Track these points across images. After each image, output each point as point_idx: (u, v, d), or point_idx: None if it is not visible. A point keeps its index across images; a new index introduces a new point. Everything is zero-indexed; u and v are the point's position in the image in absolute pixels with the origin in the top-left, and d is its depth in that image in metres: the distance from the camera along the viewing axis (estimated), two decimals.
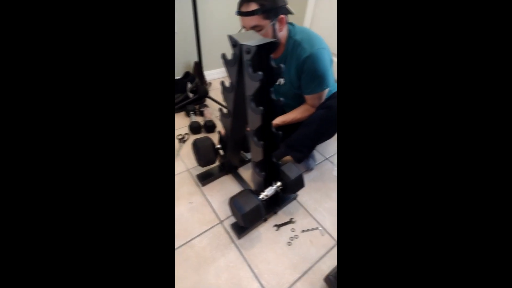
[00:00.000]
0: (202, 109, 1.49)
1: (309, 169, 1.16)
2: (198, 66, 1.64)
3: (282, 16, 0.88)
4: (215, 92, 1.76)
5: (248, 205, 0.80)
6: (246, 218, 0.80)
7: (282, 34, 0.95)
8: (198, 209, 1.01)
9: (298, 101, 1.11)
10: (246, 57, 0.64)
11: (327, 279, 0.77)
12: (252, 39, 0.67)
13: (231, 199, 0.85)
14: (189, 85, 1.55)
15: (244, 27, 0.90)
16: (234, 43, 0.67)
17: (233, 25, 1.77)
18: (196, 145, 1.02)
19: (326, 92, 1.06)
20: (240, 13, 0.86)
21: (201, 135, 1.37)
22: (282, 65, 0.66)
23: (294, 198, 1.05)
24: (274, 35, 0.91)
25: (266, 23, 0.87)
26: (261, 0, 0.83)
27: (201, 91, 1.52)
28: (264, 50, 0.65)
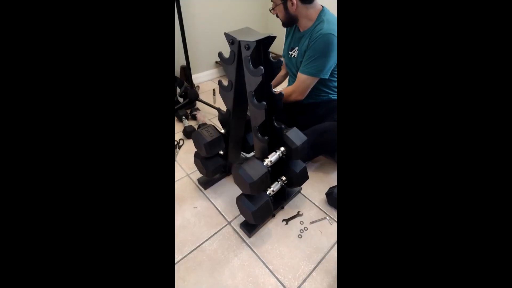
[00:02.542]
0: (194, 113, 1.47)
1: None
2: (185, 70, 1.62)
3: None
4: (205, 94, 1.74)
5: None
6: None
7: (303, 11, 1.05)
8: (204, 212, 0.99)
9: None
10: (246, 53, 0.65)
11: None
12: (250, 35, 0.67)
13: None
14: (178, 90, 1.52)
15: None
16: (232, 41, 0.67)
17: (217, 26, 1.78)
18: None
19: (312, 83, 1.07)
20: None
21: None
22: (281, 59, 0.66)
23: (299, 192, 1.06)
24: (287, 12, 1.05)
25: (278, 2, 1.04)
26: None
27: (191, 95, 1.50)
28: (263, 45, 0.65)
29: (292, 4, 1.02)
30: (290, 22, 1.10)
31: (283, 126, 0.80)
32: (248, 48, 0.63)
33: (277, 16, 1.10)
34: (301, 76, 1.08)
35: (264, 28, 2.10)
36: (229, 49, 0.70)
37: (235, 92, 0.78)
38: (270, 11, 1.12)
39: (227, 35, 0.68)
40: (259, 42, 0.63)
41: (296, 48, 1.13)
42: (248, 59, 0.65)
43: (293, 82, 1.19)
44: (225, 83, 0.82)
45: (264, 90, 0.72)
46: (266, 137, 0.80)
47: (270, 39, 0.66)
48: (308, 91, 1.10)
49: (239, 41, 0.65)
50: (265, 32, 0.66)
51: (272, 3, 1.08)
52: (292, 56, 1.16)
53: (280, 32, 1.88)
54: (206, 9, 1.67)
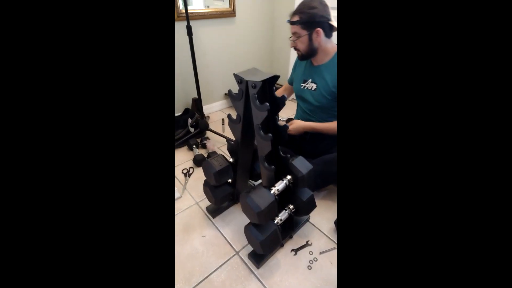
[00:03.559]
0: (204, 142, 1.53)
1: None
2: (196, 102, 1.73)
3: (318, 29, 1.04)
4: (215, 124, 1.83)
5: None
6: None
7: (323, 44, 1.10)
8: (212, 241, 0.99)
9: (320, 115, 1.17)
10: (253, 91, 0.71)
11: None
12: (256, 75, 0.74)
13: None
14: (189, 121, 1.62)
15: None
16: (240, 80, 0.74)
17: (226, 63, 1.93)
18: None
19: None
20: (289, 21, 1.08)
21: None
22: (285, 95, 0.72)
23: (307, 220, 1.05)
24: (310, 43, 1.08)
25: (303, 33, 1.06)
26: (300, 14, 1.03)
27: (202, 125, 1.58)
28: (268, 84, 0.72)
29: (318, 35, 1.05)
30: (309, 54, 1.11)
31: (288, 155, 0.84)
32: (254, 87, 0.70)
33: (295, 49, 1.12)
34: None
35: (269, 63, 2.25)
36: (237, 87, 0.77)
37: (243, 124, 0.84)
38: (290, 40, 1.12)
39: (236, 76, 0.75)
40: (264, 81, 0.70)
41: (310, 80, 1.17)
42: (255, 96, 0.71)
43: (304, 110, 1.23)
44: (233, 116, 0.88)
45: (270, 123, 0.77)
46: (273, 166, 0.84)
47: (274, 79, 0.73)
48: None
49: (247, 81, 0.72)
50: (270, 72, 0.73)
51: (292, 35, 1.10)
52: (306, 88, 1.20)
53: (282, 64, 2.03)
54: (216, 46, 1.83)
